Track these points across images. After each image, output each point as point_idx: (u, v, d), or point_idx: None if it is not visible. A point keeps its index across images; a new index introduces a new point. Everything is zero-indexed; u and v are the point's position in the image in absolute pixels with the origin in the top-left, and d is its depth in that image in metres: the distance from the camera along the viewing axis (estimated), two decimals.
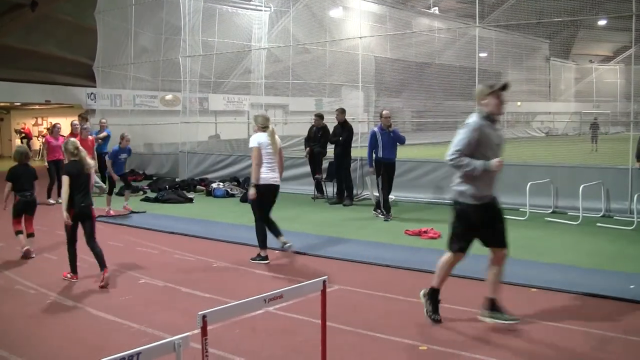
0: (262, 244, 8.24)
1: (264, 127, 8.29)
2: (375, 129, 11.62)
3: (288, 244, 8.53)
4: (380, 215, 11.50)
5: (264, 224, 8.31)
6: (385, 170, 11.48)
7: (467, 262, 7.87)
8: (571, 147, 21.02)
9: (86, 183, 7.26)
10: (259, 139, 8.19)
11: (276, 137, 8.34)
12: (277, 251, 8.78)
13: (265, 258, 8.17)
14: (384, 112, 11.64)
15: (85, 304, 6.27)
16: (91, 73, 23.67)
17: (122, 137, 12.42)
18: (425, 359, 4.84)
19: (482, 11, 14.28)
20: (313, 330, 5.02)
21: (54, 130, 14.36)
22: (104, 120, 16.62)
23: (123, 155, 12.49)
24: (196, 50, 19.17)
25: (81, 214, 7.19)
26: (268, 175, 8.17)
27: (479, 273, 7.23)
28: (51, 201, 13.81)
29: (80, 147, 7.48)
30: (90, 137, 13.76)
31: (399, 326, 5.52)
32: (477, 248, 8.74)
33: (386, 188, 11.55)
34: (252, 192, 8.18)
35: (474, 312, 5.85)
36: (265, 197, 8.24)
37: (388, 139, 11.43)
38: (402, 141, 11.58)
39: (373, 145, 11.50)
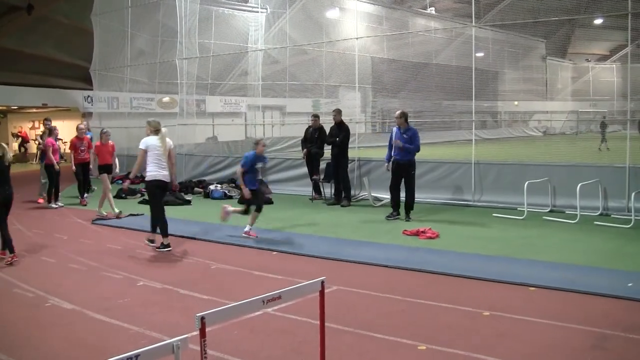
0: (164, 231, 9.16)
1: (156, 131, 9.25)
2: (395, 128, 11.66)
3: (154, 244, 9.22)
4: (394, 218, 11.50)
5: (163, 214, 9.28)
6: (395, 169, 11.51)
7: (467, 263, 7.91)
8: (568, 146, 21.06)
9: (7, 174, 8.25)
10: (147, 141, 9.15)
11: (167, 139, 9.29)
12: (274, 253, 8.80)
13: (168, 245, 9.07)
14: (396, 113, 11.76)
15: (84, 306, 6.26)
16: (88, 76, 23.64)
17: (257, 142, 10.12)
18: (424, 358, 4.85)
19: (479, 11, 14.29)
20: (312, 330, 5.02)
21: (51, 133, 14.32)
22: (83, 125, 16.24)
23: (259, 165, 10.16)
24: (193, 53, 19.15)
25: (5, 201, 8.23)
26: (157, 172, 9.06)
27: (478, 273, 7.26)
28: (53, 205, 13.78)
29: (2, 144, 8.30)
30: (110, 142, 13.22)
31: (398, 326, 5.52)
32: (478, 248, 8.77)
33: (393, 187, 11.62)
34: (125, 184, 10.07)
35: (473, 311, 5.87)
36: (157, 190, 9.21)
37: (398, 139, 11.40)
38: (409, 147, 11.33)
39: (389, 143, 11.62)
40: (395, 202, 11.61)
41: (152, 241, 9.29)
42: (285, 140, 21.22)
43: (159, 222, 9.25)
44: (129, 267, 8.01)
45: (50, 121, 15.40)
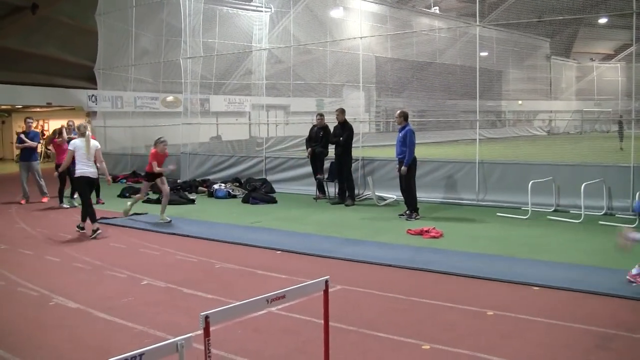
0: (92, 218, 10.36)
1: (82, 134, 10.51)
2: None
3: (83, 230, 10.53)
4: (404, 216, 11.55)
5: (91, 204, 10.52)
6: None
7: (471, 262, 7.90)
8: (573, 146, 21.02)
9: None
10: (74, 143, 10.49)
11: (91, 141, 10.55)
12: (278, 252, 8.80)
13: (97, 230, 10.22)
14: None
15: (88, 305, 6.27)
16: (92, 75, 23.70)
17: None
18: (428, 358, 4.84)
19: (483, 10, 14.26)
20: (316, 330, 5.02)
21: (61, 134, 14.26)
22: (70, 123, 15.89)
23: None
24: (197, 52, 19.17)
25: None
26: (83, 169, 10.33)
27: (482, 272, 7.25)
28: (65, 205, 13.80)
29: None
30: (166, 151, 11.94)
31: (402, 325, 5.52)
32: (482, 247, 8.76)
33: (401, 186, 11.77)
34: (55, 174, 11.24)
35: (478, 311, 5.86)
36: (84, 185, 10.45)
37: (397, 137, 11.63)
38: (401, 144, 11.55)
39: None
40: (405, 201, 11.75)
41: (81, 228, 10.60)
42: (290, 139, 21.24)
43: (88, 212, 10.44)
44: (133, 266, 8.02)
45: (32, 120, 15.40)
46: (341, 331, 5.31)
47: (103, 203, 14.27)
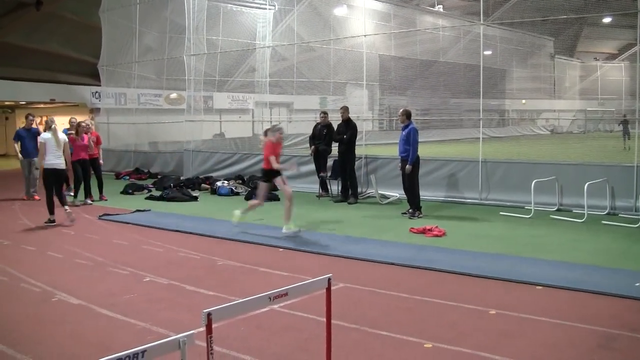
0: (50, 210, 11.07)
1: (49, 127, 11.29)
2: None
3: (71, 218, 11.11)
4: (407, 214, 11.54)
5: (52, 196, 11.07)
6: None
7: (474, 261, 7.89)
8: (576, 145, 20.96)
9: None
10: (44, 136, 11.16)
11: (58, 134, 11.29)
12: (280, 249, 8.80)
13: (53, 221, 11.05)
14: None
15: (90, 301, 6.27)
16: (96, 72, 23.73)
17: None
18: (430, 356, 4.84)
19: (487, 9, 14.24)
20: (318, 327, 5.02)
21: (78, 129, 14.00)
22: (73, 120, 15.19)
23: None
24: (200, 49, 19.18)
25: None
26: (52, 161, 11.01)
27: (485, 271, 7.24)
28: (88, 201, 13.79)
29: None
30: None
31: (404, 324, 5.52)
32: (485, 246, 8.75)
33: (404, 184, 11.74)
34: (37, 174, 11.38)
35: (480, 310, 5.85)
36: (51, 177, 11.08)
37: (400, 136, 11.60)
38: (404, 143, 11.52)
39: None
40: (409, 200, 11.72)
41: (52, 221, 11.10)
42: (293, 137, 21.24)
43: (48, 203, 11.06)
44: (136, 263, 8.02)
45: (34, 117, 15.41)
46: (343, 329, 5.31)
47: (106, 199, 14.30)
